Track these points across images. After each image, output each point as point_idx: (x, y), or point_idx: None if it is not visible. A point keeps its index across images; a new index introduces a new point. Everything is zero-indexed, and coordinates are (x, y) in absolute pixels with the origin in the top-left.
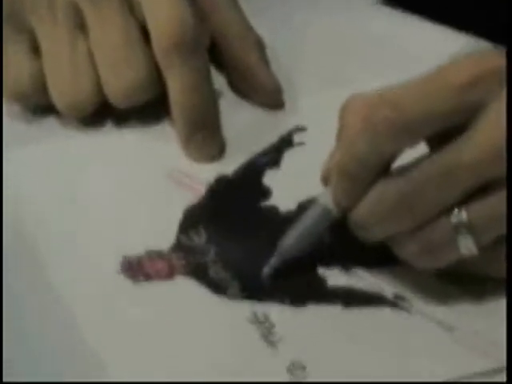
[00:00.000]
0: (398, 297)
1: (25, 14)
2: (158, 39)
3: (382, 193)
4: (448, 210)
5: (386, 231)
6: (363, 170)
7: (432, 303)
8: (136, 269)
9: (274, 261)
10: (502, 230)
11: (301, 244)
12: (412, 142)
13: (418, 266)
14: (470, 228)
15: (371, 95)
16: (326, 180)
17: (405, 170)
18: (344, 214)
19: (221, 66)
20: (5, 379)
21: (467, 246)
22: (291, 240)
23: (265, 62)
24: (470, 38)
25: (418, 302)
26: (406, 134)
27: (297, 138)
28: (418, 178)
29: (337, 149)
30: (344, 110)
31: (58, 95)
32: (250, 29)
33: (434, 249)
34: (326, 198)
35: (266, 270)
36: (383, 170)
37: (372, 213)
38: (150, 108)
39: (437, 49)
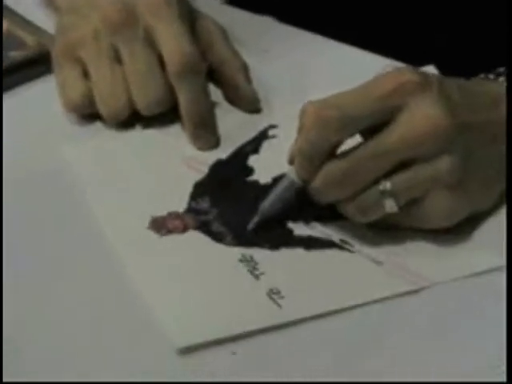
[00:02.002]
0: (343, 241)
1: (78, 50)
2: (170, 66)
3: (330, 169)
4: (376, 181)
5: (333, 196)
6: (316, 153)
7: (366, 246)
8: (160, 225)
9: (256, 218)
10: (415, 194)
11: (274, 206)
12: (349, 133)
13: (355, 220)
14: (392, 193)
15: (320, 101)
16: (291, 161)
17: (346, 153)
18: (305, 184)
19: (217, 83)
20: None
21: (390, 206)
22: (268, 203)
23: (248, 80)
24: (389, 59)
25: (357, 245)
26: (345, 127)
27: (270, 133)
28: (354, 159)
29: (298, 139)
30: (302, 112)
31: (102, 107)
32: (237, 56)
33: (365, 209)
34: (292, 173)
35: (251, 225)
36: (331, 153)
37: (324, 184)
38: (167, 114)
39: (364, 69)
